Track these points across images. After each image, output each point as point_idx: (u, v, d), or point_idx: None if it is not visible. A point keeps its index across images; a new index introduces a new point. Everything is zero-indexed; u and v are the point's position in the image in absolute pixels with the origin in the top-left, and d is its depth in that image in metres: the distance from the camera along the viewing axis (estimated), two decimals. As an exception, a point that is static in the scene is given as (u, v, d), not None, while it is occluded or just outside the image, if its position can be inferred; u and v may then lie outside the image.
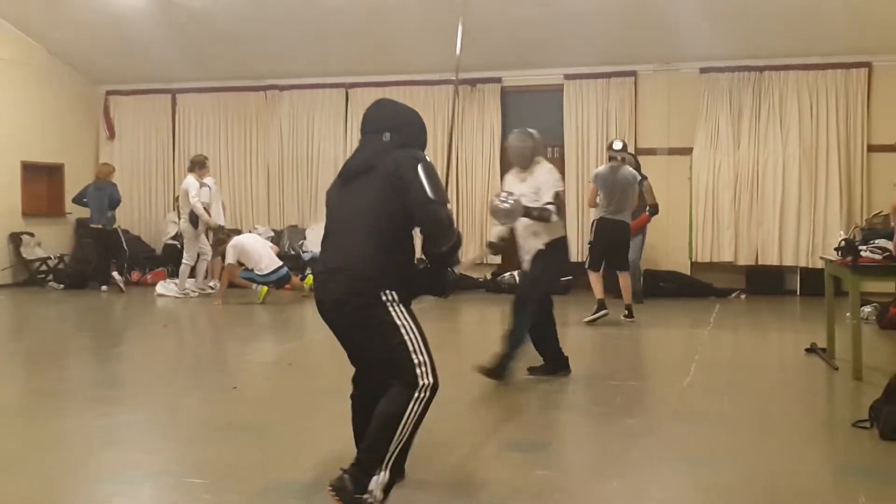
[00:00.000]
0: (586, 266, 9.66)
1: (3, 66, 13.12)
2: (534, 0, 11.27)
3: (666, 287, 11.86)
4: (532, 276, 6.39)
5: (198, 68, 13.89)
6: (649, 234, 11.66)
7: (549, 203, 6.18)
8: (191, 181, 11.92)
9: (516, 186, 6.33)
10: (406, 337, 3.52)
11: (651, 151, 12.57)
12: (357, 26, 12.14)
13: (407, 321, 3.55)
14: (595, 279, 9.47)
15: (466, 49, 12.70)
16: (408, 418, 3.44)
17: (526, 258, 6.40)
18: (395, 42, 12.59)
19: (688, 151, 12.53)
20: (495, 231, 6.71)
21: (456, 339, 9.31)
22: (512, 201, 6.07)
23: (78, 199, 13.18)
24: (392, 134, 3.71)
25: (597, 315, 9.23)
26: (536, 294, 6.38)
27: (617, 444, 4.80)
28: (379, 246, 3.56)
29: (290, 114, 14.12)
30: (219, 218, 12.28)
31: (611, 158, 9.49)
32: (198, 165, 12.05)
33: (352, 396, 3.90)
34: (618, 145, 9.59)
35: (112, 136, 14.89)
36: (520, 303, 6.31)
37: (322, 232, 3.80)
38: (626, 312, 9.44)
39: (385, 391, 3.51)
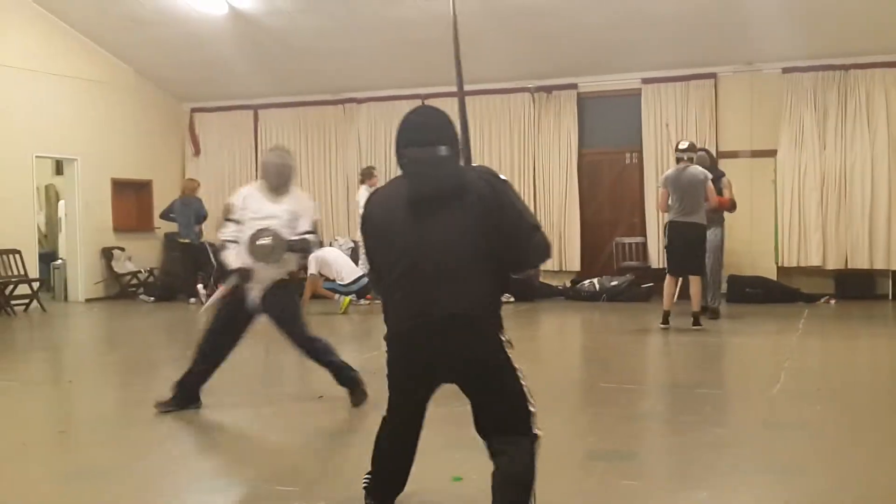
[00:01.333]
0: (667, 271, 9.46)
1: (94, 87, 13.65)
2: (609, 4, 11.20)
3: (752, 293, 11.59)
4: (289, 312, 5.93)
5: (278, 84, 14.21)
6: (733, 238, 11.41)
7: (308, 232, 5.76)
8: (362, 192, 12.27)
9: (267, 207, 5.70)
10: (523, 383, 3.10)
11: (733, 154, 12.33)
12: (431, 37, 12.22)
13: (518, 365, 3.11)
14: (669, 286, 9.22)
15: (541, 55, 12.78)
16: (535, 478, 3.06)
17: (255, 288, 5.72)
18: (469, 51, 12.60)
19: (771, 154, 12.24)
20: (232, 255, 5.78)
21: (535, 348, 9.28)
22: (270, 237, 5.56)
23: (165, 215, 13.63)
24: (448, 147, 3.14)
25: (662, 326, 9.04)
26: (302, 327, 5.98)
27: (704, 453, 4.72)
28: (489, 282, 3.08)
29: (367, 126, 14.32)
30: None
31: (678, 160, 9.29)
32: (367, 176, 12.53)
33: (391, 432, 3.35)
34: (683, 145, 9.40)
35: (197, 152, 15.34)
36: (303, 343, 5.98)
37: (375, 271, 3.28)
38: (694, 320, 9.13)
39: (500, 451, 3.08)
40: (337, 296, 11.55)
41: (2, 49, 12.12)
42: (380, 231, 3.16)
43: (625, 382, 6.62)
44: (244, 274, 5.60)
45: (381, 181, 14.01)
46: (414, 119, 3.22)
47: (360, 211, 12.92)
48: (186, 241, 13.16)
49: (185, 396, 5.76)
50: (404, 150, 3.15)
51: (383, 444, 3.35)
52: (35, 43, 12.64)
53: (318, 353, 5.93)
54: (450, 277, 3.01)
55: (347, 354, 8.94)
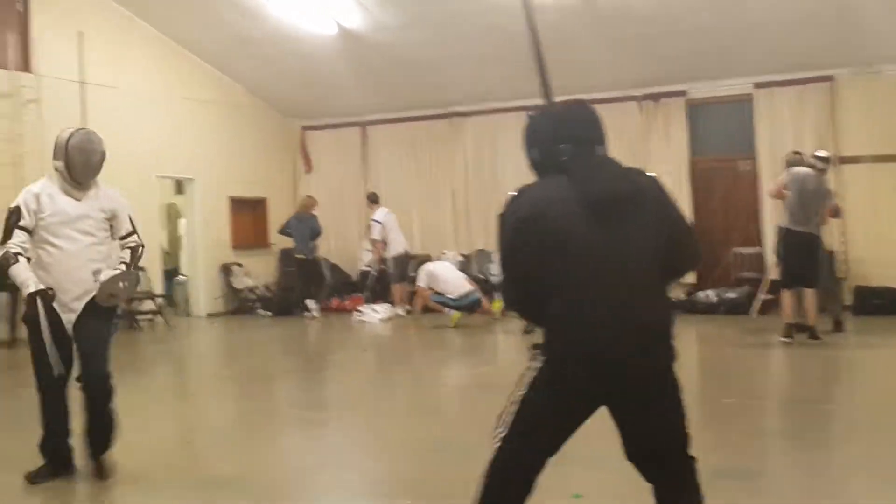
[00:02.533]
0: (780, 284, 9.09)
1: (208, 107, 14.19)
2: (716, 8, 10.94)
3: (879, 304, 11.04)
4: (103, 334, 4.67)
5: (385, 100, 14.46)
6: (857, 247, 10.95)
7: (131, 235, 4.87)
8: (378, 214, 12.58)
9: (71, 207, 4.55)
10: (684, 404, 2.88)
11: (854, 160, 11.81)
12: (537, 49, 12.22)
13: None
14: (789, 298, 8.84)
15: (648, 63, 12.57)
16: None
17: (72, 302, 4.54)
18: (573, 61, 12.56)
19: (894, 159, 11.67)
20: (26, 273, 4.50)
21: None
22: (124, 280, 4.74)
23: (283, 230, 14.05)
24: (603, 147, 2.95)
25: (784, 340, 8.68)
26: (107, 359, 4.71)
27: (834, 472, 4.53)
28: (667, 293, 2.91)
29: (474, 139, 14.40)
30: (401, 244, 13.07)
31: (812, 166, 8.91)
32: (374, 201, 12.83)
33: None
34: (822, 153, 9.15)
35: (309, 169, 15.74)
36: (100, 383, 4.64)
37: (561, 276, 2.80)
38: (811, 333, 8.70)
39: (674, 484, 2.86)
40: (447, 310, 11.61)
41: (125, 73, 12.73)
42: (546, 237, 2.78)
43: (747, 398, 6.42)
44: (45, 296, 4.45)
45: (491, 192, 14.09)
46: (573, 113, 2.99)
47: (376, 235, 12.60)
48: (301, 256, 13.49)
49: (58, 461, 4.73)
50: (560, 146, 2.89)
51: (507, 476, 2.92)
52: (155, 67, 13.24)
53: (106, 397, 4.65)
54: (640, 286, 2.78)
55: (458, 369, 9.06)
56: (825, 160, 8.97)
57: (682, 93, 12.99)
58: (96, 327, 4.58)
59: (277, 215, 14.98)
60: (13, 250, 4.43)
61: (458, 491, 4.30)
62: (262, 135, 15.17)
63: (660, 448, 2.85)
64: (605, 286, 2.74)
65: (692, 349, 10.07)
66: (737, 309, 11.64)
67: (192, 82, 13.86)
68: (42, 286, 4.43)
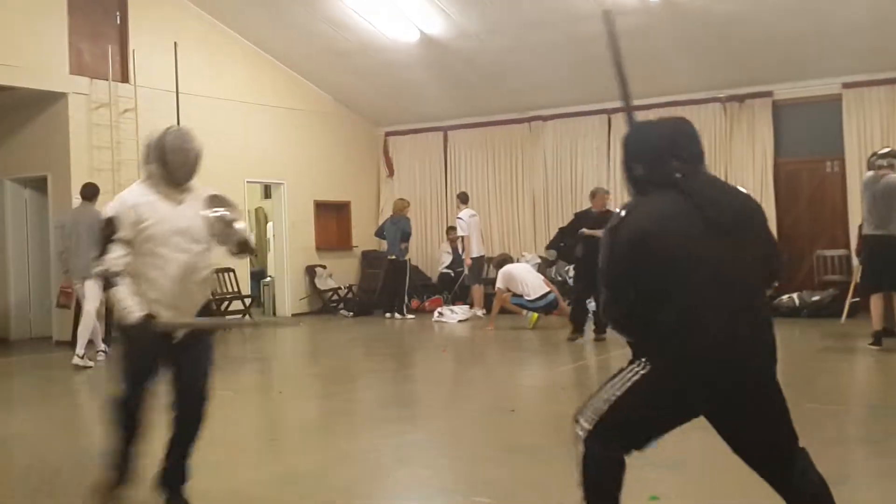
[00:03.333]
0: (866, 290, 8.85)
1: (297, 116, 14.61)
2: (803, 9, 10.72)
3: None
4: (206, 364, 4.16)
5: (466, 105, 14.62)
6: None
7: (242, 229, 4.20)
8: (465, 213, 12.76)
9: (174, 212, 4.03)
10: None
11: (947, 159, 11.41)
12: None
13: None
14: (877, 303, 8.58)
15: (732, 64, 12.41)
16: None
17: (178, 318, 4.07)
18: (657, 63, 12.48)
19: None
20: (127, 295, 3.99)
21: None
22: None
23: (378, 233, 14.40)
24: (705, 165, 3.11)
25: (873, 346, 8.43)
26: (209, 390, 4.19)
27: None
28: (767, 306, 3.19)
29: (553, 143, 14.43)
30: (478, 248, 13.34)
31: (878, 167, 8.54)
32: (464, 200, 13.16)
33: None
34: (883, 150, 8.77)
35: (391, 173, 16.01)
36: (198, 417, 4.17)
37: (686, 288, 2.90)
38: (872, 340, 8.46)
39: (794, 472, 3.00)
40: (525, 311, 11.68)
41: (218, 83, 13.23)
42: (666, 252, 2.88)
43: (831, 403, 6.31)
44: (149, 323, 3.91)
45: (570, 196, 14.09)
46: (683, 130, 3.09)
47: (463, 232, 12.82)
48: (392, 257, 13.73)
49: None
50: (673, 163, 2.98)
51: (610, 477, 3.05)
52: (246, 76, 13.71)
53: (198, 430, 4.18)
54: (752, 299, 2.96)
55: (538, 369, 9.12)
56: (885, 156, 8.57)
57: (768, 93, 12.78)
58: (201, 354, 4.13)
59: (360, 218, 15.35)
60: (113, 269, 3.91)
61: (534, 492, 4.41)
62: (347, 141, 15.52)
63: (776, 447, 2.99)
64: (722, 298, 2.87)
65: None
66: (820, 312, 11.38)
67: (282, 92, 14.30)
68: (146, 311, 3.91)
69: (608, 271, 2.99)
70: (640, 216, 2.94)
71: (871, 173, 8.67)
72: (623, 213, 2.99)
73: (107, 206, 4.14)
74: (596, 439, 2.99)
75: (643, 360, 2.96)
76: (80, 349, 9.37)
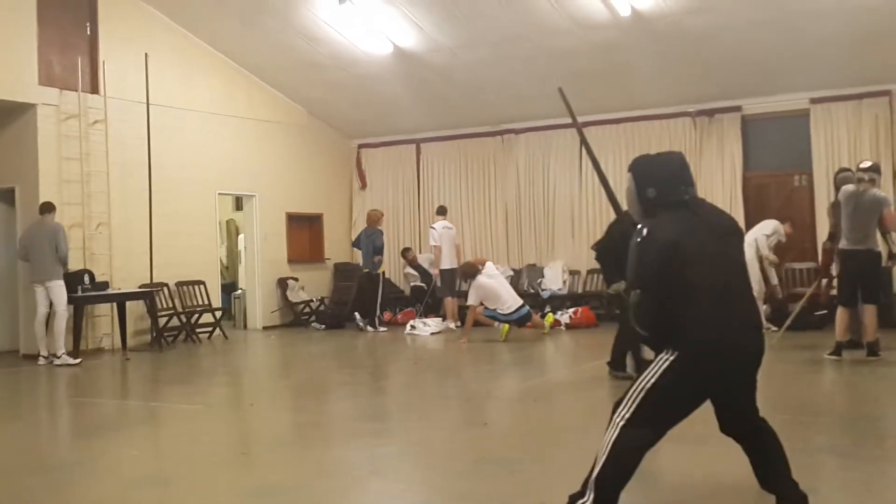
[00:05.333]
0: (837, 301, 8.97)
1: (270, 128, 14.57)
2: (772, 25, 10.89)
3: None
4: None
5: (439, 118, 14.67)
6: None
7: None
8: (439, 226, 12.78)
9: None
10: None
11: (914, 174, 11.65)
12: (589, 66, 12.31)
13: None
14: (842, 316, 8.73)
15: (703, 79, 12.57)
16: None
17: None
18: (629, 78, 12.62)
19: (957, 173, 11.48)
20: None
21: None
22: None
23: (355, 243, 14.38)
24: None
25: (832, 356, 8.59)
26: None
27: (888, 489, 4.50)
28: None
29: (526, 156, 14.52)
30: (451, 260, 13.34)
31: (858, 180, 8.63)
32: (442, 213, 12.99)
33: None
34: (865, 164, 8.78)
35: (364, 185, 16.02)
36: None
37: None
38: (869, 350, 8.59)
39: (760, 428, 3.85)
40: (497, 323, 11.70)
41: (190, 94, 13.16)
42: (690, 258, 3.56)
43: (800, 414, 6.37)
44: None
45: (542, 208, 14.18)
46: (682, 161, 3.84)
47: (433, 242, 12.97)
48: (365, 270, 13.66)
49: None
50: (682, 187, 3.73)
51: (633, 460, 3.62)
52: (218, 88, 13.66)
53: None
54: (748, 292, 3.80)
55: (509, 381, 9.13)
56: (867, 170, 8.65)
57: (737, 108, 12.96)
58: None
59: (332, 231, 15.33)
60: None
61: (510, 500, 4.41)
62: (320, 153, 15.50)
63: (748, 409, 3.81)
64: (732, 295, 3.63)
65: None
66: (790, 325, 11.44)
67: (254, 104, 14.27)
68: None
69: (644, 276, 3.61)
70: (667, 230, 3.61)
71: (851, 187, 8.69)
72: (646, 230, 3.63)
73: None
74: (631, 426, 3.57)
75: (668, 351, 3.57)
76: (59, 349, 10.41)
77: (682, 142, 13.23)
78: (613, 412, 3.64)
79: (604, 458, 3.58)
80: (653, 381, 3.56)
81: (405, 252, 14.81)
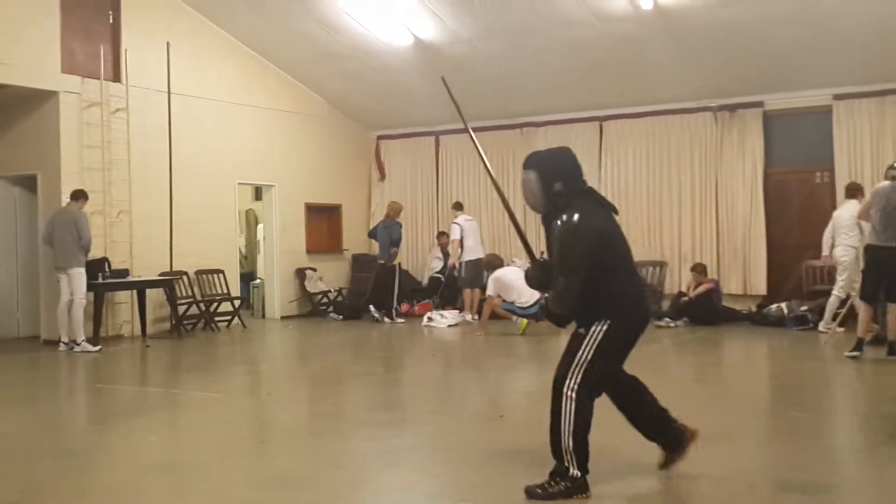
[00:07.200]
0: (860, 297, 8.91)
1: (290, 118, 14.61)
2: (796, 20, 10.79)
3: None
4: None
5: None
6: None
7: None
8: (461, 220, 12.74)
9: None
10: None
11: (937, 172, 11.49)
12: (607, 59, 12.25)
13: None
14: (865, 313, 8.65)
15: (725, 74, 12.48)
16: None
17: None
18: (650, 72, 12.55)
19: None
20: None
21: (719, 374, 9.04)
22: None
23: (372, 234, 14.41)
24: None
25: (853, 354, 8.51)
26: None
27: (904, 489, 4.46)
28: None
29: (545, 148, 14.42)
30: (476, 251, 13.32)
31: (892, 178, 8.51)
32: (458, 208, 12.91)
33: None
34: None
35: (383, 177, 16.04)
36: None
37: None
38: (890, 349, 8.53)
39: (632, 382, 4.49)
40: (515, 317, 11.69)
41: (210, 84, 13.21)
42: (612, 239, 4.20)
43: (818, 412, 6.34)
44: None
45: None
46: (572, 153, 4.35)
47: (456, 236, 12.94)
48: (381, 262, 13.68)
49: None
50: (581, 177, 4.30)
51: (591, 413, 4.19)
52: (238, 78, 13.70)
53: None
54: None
55: (527, 374, 9.12)
56: None
57: (759, 104, 12.85)
58: None
59: (351, 222, 15.35)
60: None
61: (521, 497, 4.41)
62: (340, 144, 15.52)
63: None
64: (634, 266, 4.46)
65: (762, 362, 9.95)
66: (810, 322, 11.41)
67: (275, 94, 14.30)
68: None
69: (580, 263, 4.05)
70: (596, 217, 4.14)
71: (886, 183, 8.64)
72: (576, 218, 4.06)
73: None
74: (583, 392, 4.10)
75: (599, 321, 4.11)
76: (79, 337, 10.50)
77: (702, 137, 13.15)
78: (556, 387, 4.15)
79: (571, 427, 4.10)
80: (593, 351, 4.09)
81: (440, 236, 14.81)
